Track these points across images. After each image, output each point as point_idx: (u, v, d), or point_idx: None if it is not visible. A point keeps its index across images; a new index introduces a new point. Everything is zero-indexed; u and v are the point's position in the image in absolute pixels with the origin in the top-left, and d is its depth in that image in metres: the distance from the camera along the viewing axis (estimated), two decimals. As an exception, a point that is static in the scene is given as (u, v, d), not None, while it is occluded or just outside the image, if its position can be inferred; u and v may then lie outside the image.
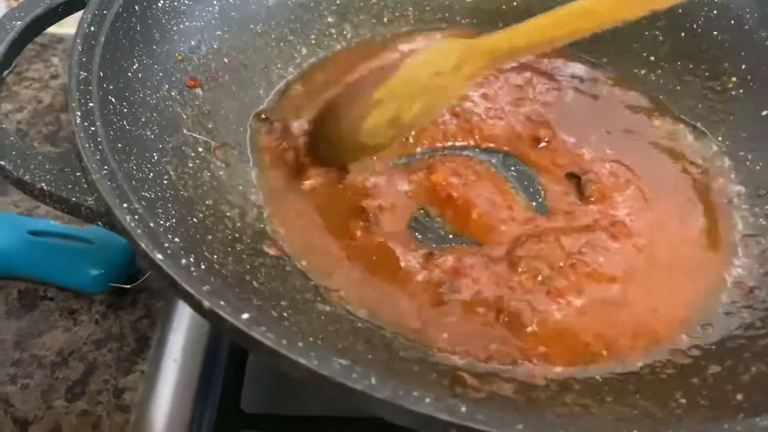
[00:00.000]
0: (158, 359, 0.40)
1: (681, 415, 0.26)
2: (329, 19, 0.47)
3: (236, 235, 0.34)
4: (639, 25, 0.47)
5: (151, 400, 0.38)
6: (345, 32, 0.48)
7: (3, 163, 0.28)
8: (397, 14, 0.49)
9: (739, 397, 0.27)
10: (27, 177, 0.28)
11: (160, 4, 0.39)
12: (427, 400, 0.21)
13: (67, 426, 0.37)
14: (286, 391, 0.37)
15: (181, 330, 0.41)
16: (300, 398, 0.36)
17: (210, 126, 0.39)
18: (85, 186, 0.28)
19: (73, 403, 0.38)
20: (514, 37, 0.35)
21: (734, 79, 0.44)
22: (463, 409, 0.20)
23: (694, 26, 0.47)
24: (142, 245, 0.24)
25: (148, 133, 0.34)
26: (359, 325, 0.31)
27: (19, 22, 0.35)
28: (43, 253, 0.42)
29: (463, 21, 0.50)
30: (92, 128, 0.28)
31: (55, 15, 0.36)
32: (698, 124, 0.43)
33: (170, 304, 0.42)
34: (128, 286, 0.42)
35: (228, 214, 0.35)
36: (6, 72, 0.33)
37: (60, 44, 0.60)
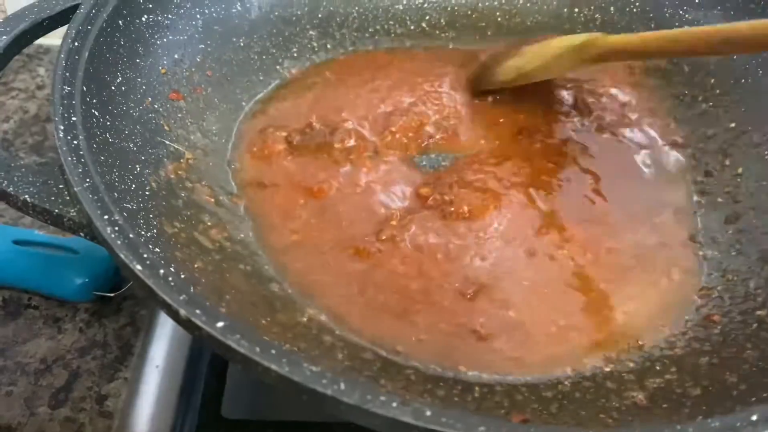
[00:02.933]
0: (141, 366, 0.40)
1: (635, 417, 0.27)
2: (311, 33, 0.49)
3: (216, 245, 0.35)
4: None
5: (134, 406, 0.39)
6: (327, 45, 0.49)
7: (-14, 175, 0.29)
8: (378, 28, 0.50)
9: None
10: (11, 189, 0.29)
11: (143, 19, 0.40)
12: (394, 404, 0.22)
13: (51, 432, 0.38)
14: (265, 397, 0.38)
15: (164, 338, 0.41)
16: (279, 404, 0.37)
17: (192, 138, 0.40)
18: (68, 198, 0.29)
19: (57, 410, 0.39)
20: (634, 41, 0.41)
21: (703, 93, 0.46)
22: (428, 412, 0.21)
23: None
24: (122, 256, 0.25)
25: (131, 145, 0.35)
26: (336, 333, 0.32)
27: (4, 37, 0.35)
28: (28, 262, 0.42)
29: (442, 35, 0.51)
30: (75, 142, 0.29)
31: (40, 29, 0.37)
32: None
33: (153, 313, 0.43)
34: (112, 295, 0.43)
35: (208, 223, 0.36)
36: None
37: (46, 55, 0.61)
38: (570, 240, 0.38)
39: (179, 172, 0.37)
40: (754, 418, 0.22)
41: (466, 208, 0.38)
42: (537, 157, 0.42)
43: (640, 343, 0.33)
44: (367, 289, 0.34)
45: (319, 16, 0.49)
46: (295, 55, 0.48)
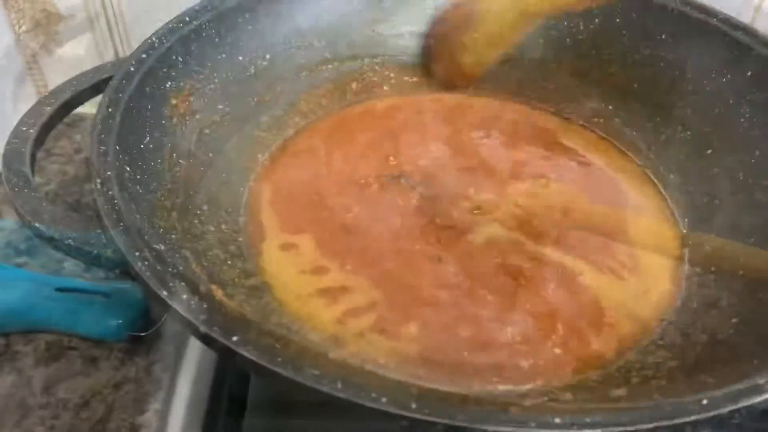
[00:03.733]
0: (169, 398, 0.44)
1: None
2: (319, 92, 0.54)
3: (234, 279, 0.39)
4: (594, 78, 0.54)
5: (164, 434, 0.42)
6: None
7: (37, 224, 0.34)
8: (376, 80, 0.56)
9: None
10: (56, 235, 0.34)
11: (167, 85, 0.45)
12: (383, 399, 0.25)
13: (90, 461, 0.42)
14: (282, 420, 0.42)
15: (190, 372, 0.45)
16: (294, 427, 0.41)
17: (213, 189, 0.45)
18: (104, 241, 0.33)
19: (95, 441, 0.43)
20: None
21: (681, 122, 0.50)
22: (413, 405, 0.25)
23: (645, 76, 0.53)
24: (151, 285, 0.29)
25: (158, 195, 0.40)
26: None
27: (49, 108, 0.41)
28: (67, 306, 0.47)
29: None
30: (110, 192, 0.34)
31: (80, 99, 0.43)
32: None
33: (179, 350, 0.47)
34: (143, 334, 0.47)
35: (228, 262, 0.41)
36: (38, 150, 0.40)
37: (82, 122, 0.67)
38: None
39: (202, 218, 0.42)
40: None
41: None
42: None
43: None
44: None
45: (326, 75, 0.55)
46: (304, 110, 0.53)
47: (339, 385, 0.26)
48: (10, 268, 0.49)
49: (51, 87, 0.68)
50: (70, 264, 0.54)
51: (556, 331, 0.38)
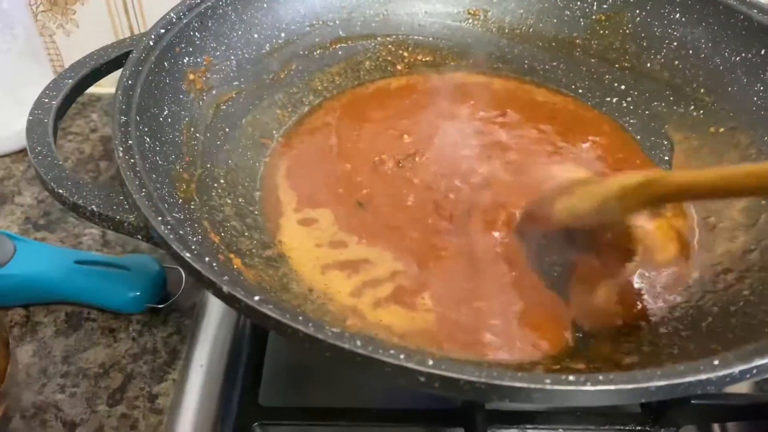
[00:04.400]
0: (187, 368, 0.45)
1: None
2: (333, 70, 0.55)
3: (251, 250, 0.40)
4: (607, 60, 0.54)
5: (181, 403, 0.43)
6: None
7: (61, 191, 0.35)
8: (390, 59, 0.57)
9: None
10: (80, 201, 0.35)
11: (185, 60, 0.46)
12: (402, 355, 0.26)
13: (109, 427, 0.43)
14: (299, 386, 0.43)
15: (207, 342, 0.47)
16: (311, 392, 0.42)
17: (230, 163, 0.46)
18: (127, 207, 0.34)
19: (114, 408, 0.44)
20: (706, 179, 0.35)
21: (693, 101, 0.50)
22: (430, 362, 0.26)
23: (658, 56, 0.53)
24: (174, 247, 0.30)
25: (177, 167, 0.41)
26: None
27: (70, 80, 0.42)
28: (87, 279, 0.48)
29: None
30: (131, 160, 0.35)
31: (98, 74, 0.44)
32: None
33: (196, 321, 0.48)
34: (161, 306, 0.49)
35: (246, 234, 0.41)
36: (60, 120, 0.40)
37: (98, 102, 0.68)
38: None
39: (219, 190, 0.43)
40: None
41: None
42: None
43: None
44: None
45: (340, 53, 0.55)
46: (318, 87, 0.54)
47: (358, 342, 0.26)
48: (31, 241, 0.50)
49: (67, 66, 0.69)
50: (87, 239, 0.55)
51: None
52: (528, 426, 0.41)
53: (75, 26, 0.65)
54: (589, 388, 0.26)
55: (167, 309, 0.49)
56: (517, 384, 0.25)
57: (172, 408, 0.44)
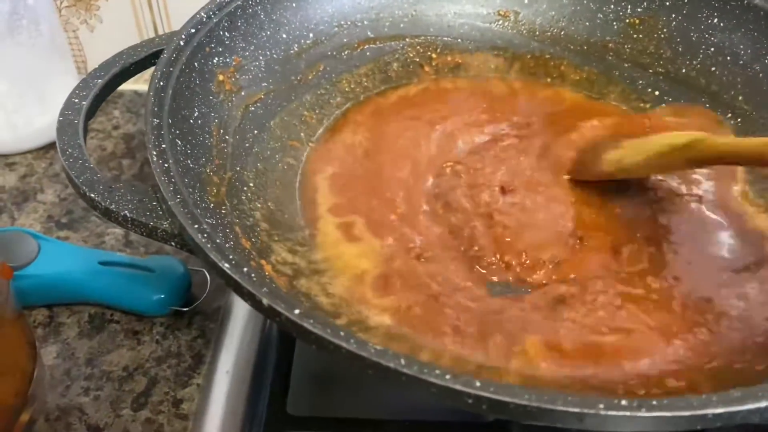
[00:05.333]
0: (212, 373, 0.45)
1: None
2: (361, 71, 0.54)
3: (283, 257, 0.39)
4: (641, 65, 0.53)
5: (207, 408, 0.43)
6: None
7: (93, 195, 0.34)
8: (418, 60, 0.56)
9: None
10: (113, 206, 0.34)
11: (214, 61, 0.45)
12: (448, 376, 0.25)
13: (134, 432, 0.43)
14: (327, 395, 0.42)
15: (232, 347, 0.46)
16: (340, 402, 0.41)
17: (259, 166, 0.45)
18: (161, 213, 0.34)
19: (138, 412, 0.43)
20: (747, 147, 0.38)
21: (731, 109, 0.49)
22: (477, 383, 0.25)
23: (694, 62, 0.52)
24: (212, 257, 0.29)
25: (207, 170, 0.40)
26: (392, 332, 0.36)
27: (100, 80, 0.41)
28: (111, 280, 0.47)
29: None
30: (165, 164, 0.34)
31: (128, 73, 0.43)
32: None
33: (222, 325, 0.48)
34: (185, 309, 0.48)
35: (275, 239, 0.41)
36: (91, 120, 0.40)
37: (120, 99, 0.67)
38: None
39: (249, 194, 0.42)
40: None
41: None
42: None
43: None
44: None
45: (368, 54, 0.54)
46: (346, 89, 0.53)
47: (402, 361, 0.26)
48: (55, 241, 0.49)
49: (90, 63, 0.68)
50: (110, 238, 0.54)
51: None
52: (563, 442, 0.40)
53: (98, 22, 0.64)
54: (643, 414, 0.25)
55: (191, 312, 0.48)
56: (570, 409, 0.24)
57: (197, 414, 0.43)
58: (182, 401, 0.44)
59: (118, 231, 0.54)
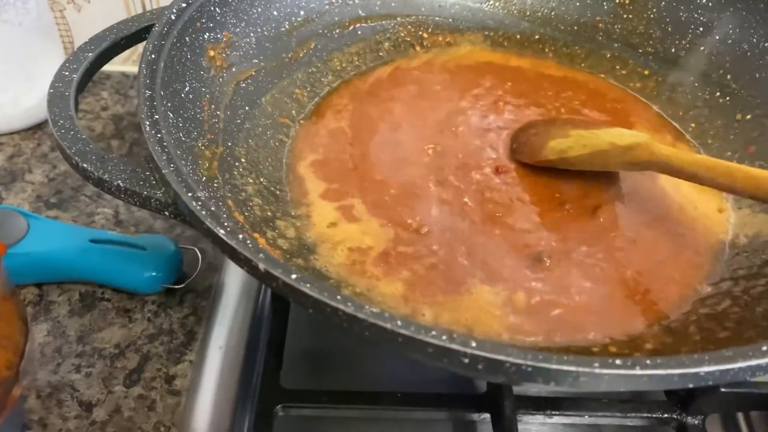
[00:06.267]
0: (204, 349, 0.45)
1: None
2: (352, 50, 0.54)
3: (276, 232, 0.39)
4: (630, 45, 0.53)
5: (200, 384, 0.43)
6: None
7: (86, 165, 0.34)
8: (409, 40, 0.55)
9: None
10: (106, 176, 0.34)
11: (206, 36, 0.45)
12: (444, 336, 0.25)
13: (126, 408, 0.42)
14: (320, 369, 0.42)
15: (224, 324, 0.46)
16: (333, 375, 0.41)
17: (251, 142, 0.45)
18: (154, 182, 0.33)
19: (131, 389, 0.43)
20: (687, 159, 0.38)
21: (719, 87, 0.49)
22: (473, 343, 0.25)
23: (683, 42, 0.52)
24: (207, 223, 0.29)
25: (199, 144, 0.40)
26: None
27: (90, 54, 0.41)
28: (102, 258, 0.47)
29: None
30: (158, 135, 0.34)
31: (119, 47, 0.43)
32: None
33: (213, 303, 0.47)
34: (177, 287, 0.48)
35: (268, 214, 0.41)
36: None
37: (108, 80, 0.67)
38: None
39: (241, 169, 0.42)
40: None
41: None
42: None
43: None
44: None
45: (359, 33, 0.54)
46: (338, 68, 0.53)
47: (399, 322, 0.26)
48: (45, 219, 0.49)
49: (78, 43, 0.68)
50: (100, 218, 0.54)
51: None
52: (555, 412, 0.40)
53: (86, 1, 0.64)
54: (637, 372, 0.25)
55: (183, 290, 0.48)
56: (565, 367, 0.25)
57: (190, 390, 0.43)
58: (175, 377, 0.44)
59: (108, 210, 0.54)
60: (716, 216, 0.44)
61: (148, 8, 0.64)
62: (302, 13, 0.52)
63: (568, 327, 0.36)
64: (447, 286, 0.38)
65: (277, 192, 0.43)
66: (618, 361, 0.25)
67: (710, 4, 0.51)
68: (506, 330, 0.36)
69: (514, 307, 0.37)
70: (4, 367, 0.36)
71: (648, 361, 0.25)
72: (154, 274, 0.47)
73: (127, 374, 0.44)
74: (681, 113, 0.50)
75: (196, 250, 0.50)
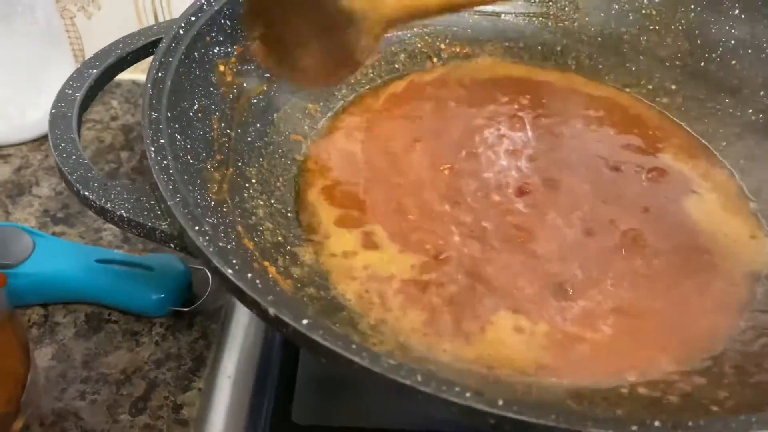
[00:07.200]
0: (213, 377, 0.43)
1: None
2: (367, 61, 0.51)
3: (287, 258, 0.37)
4: (657, 58, 0.51)
5: (208, 414, 0.41)
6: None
7: (87, 193, 0.32)
8: (426, 51, 0.53)
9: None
10: (108, 205, 0.32)
11: (216, 50, 0.43)
12: (468, 394, 0.23)
13: (132, 438, 0.41)
14: (333, 403, 0.40)
15: (235, 350, 0.44)
16: (346, 410, 0.39)
17: (262, 161, 0.43)
18: (159, 212, 0.31)
19: (137, 418, 0.41)
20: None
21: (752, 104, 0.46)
22: (500, 402, 0.23)
23: (713, 55, 0.49)
24: (214, 262, 0.27)
25: (208, 166, 0.38)
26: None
27: (94, 71, 0.39)
28: (109, 279, 0.45)
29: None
30: (164, 162, 0.32)
31: (125, 63, 0.41)
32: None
33: (224, 326, 0.45)
34: (186, 310, 0.46)
35: (280, 239, 0.38)
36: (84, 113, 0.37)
37: (118, 89, 0.65)
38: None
39: (251, 191, 0.40)
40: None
41: None
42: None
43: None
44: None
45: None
46: (352, 81, 0.51)
47: (419, 378, 0.24)
48: (50, 237, 0.47)
49: (88, 51, 0.66)
50: (107, 234, 0.52)
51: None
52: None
53: (96, 9, 0.62)
54: (680, 437, 0.23)
55: (192, 312, 0.46)
56: (600, 430, 0.22)
57: (198, 420, 0.41)
58: (182, 406, 0.42)
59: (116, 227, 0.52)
60: (749, 243, 0.41)
61: (160, 16, 0.62)
62: (316, 24, 0.50)
63: (595, 364, 0.34)
64: (467, 317, 0.36)
65: (289, 215, 0.41)
66: (657, 424, 0.23)
67: (743, 16, 0.48)
68: (531, 368, 0.33)
69: (537, 341, 0.35)
70: (5, 402, 0.35)
71: (690, 424, 0.23)
72: (161, 295, 0.45)
73: (133, 402, 0.42)
74: (710, 131, 0.47)
75: (206, 270, 0.48)
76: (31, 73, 0.58)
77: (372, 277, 0.37)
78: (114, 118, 0.62)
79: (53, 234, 0.51)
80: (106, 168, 0.57)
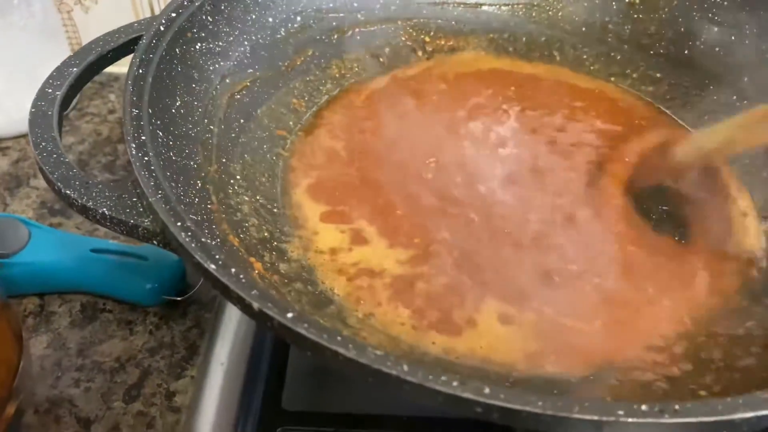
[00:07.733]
0: (206, 365, 0.41)
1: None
2: (351, 56, 0.50)
3: (273, 254, 0.36)
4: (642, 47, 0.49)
5: (200, 401, 0.39)
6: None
7: (69, 192, 0.31)
8: (410, 44, 0.52)
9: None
10: (90, 203, 0.30)
11: (197, 47, 0.41)
12: (455, 383, 0.22)
13: (125, 425, 0.39)
14: (323, 390, 0.39)
15: (227, 338, 0.42)
16: (335, 397, 0.38)
17: (246, 157, 0.42)
18: (141, 209, 0.30)
19: (130, 405, 0.40)
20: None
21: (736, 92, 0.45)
22: (486, 390, 0.22)
23: (697, 43, 0.48)
24: (197, 257, 0.26)
25: (191, 163, 0.36)
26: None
27: (75, 69, 0.38)
28: (104, 269, 0.44)
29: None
30: (146, 158, 0.31)
31: (106, 61, 0.39)
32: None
33: (217, 316, 0.44)
34: (179, 299, 0.45)
35: (266, 234, 0.37)
36: (66, 111, 0.36)
37: (116, 82, 0.63)
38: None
39: (236, 187, 0.39)
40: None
41: None
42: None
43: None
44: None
45: (358, 38, 0.51)
46: (336, 76, 0.49)
47: (405, 367, 0.23)
48: (46, 228, 0.46)
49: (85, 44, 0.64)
50: (102, 227, 0.51)
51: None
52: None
53: (93, 2, 0.60)
54: (666, 420, 0.22)
55: (186, 301, 0.45)
56: (587, 416, 0.22)
57: (191, 407, 0.40)
58: (175, 393, 0.41)
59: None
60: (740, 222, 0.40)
61: (156, 9, 0.61)
62: (299, 19, 0.48)
63: (582, 352, 0.33)
64: (456, 309, 0.35)
65: (274, 210, 0.40)
66: (644, 408, 0.22)
67: (725, 3, 0.47)
68: (522, 359, 0.32)
69: (525, 331, 0.34)
70: (-3, 387, 0.34)
71: (677, 407, 0.22)
72: (155, 285, 0.44)
73: (126, 389, 0.41)
74: (696, 118, 0.46)
75: (190, 266, 0.47)
76: (29, 66, 0.56)
77: (360, 271, 0.36)
78: (111, 112, 0.61)
79: (50, 225, 0.50)
80: (103, 161, 0.56)
